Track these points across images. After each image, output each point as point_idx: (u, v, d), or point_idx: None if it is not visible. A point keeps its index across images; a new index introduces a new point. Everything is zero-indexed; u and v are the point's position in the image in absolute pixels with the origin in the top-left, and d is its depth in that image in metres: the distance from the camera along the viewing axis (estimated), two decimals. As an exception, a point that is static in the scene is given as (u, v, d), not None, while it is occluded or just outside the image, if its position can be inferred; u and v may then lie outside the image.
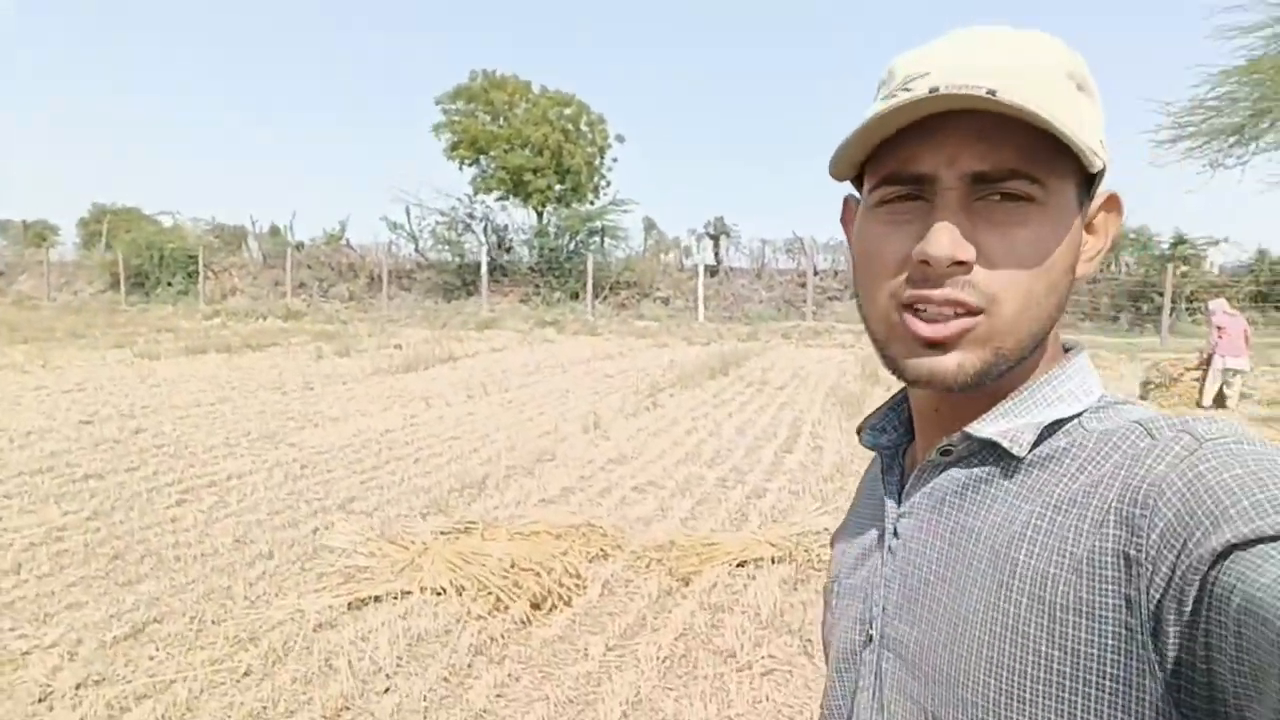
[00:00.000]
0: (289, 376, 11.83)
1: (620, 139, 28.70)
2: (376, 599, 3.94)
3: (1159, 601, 0.50)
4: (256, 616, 3.78)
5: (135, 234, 29.01)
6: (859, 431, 0.77)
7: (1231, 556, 0.46)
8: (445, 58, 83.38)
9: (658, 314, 22.75)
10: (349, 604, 3.88)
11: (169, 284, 26.85)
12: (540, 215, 27.44)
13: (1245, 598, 0.45)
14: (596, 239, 25.93)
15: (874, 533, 0.72)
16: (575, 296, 23.96)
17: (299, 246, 28.42)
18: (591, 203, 27.79)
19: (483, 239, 26.72)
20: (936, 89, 0.57)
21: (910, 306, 0.61)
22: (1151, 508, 0.51)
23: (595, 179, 28.18)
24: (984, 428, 0.63)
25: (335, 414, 8.98)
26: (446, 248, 26.91)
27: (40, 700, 3.07)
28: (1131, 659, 0.51)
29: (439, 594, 3.98)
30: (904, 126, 0.60)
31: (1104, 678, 0.52)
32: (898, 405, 0.76)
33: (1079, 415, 0.62)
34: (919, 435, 0.72)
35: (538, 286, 24.61)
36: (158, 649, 3.48)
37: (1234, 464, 0.51)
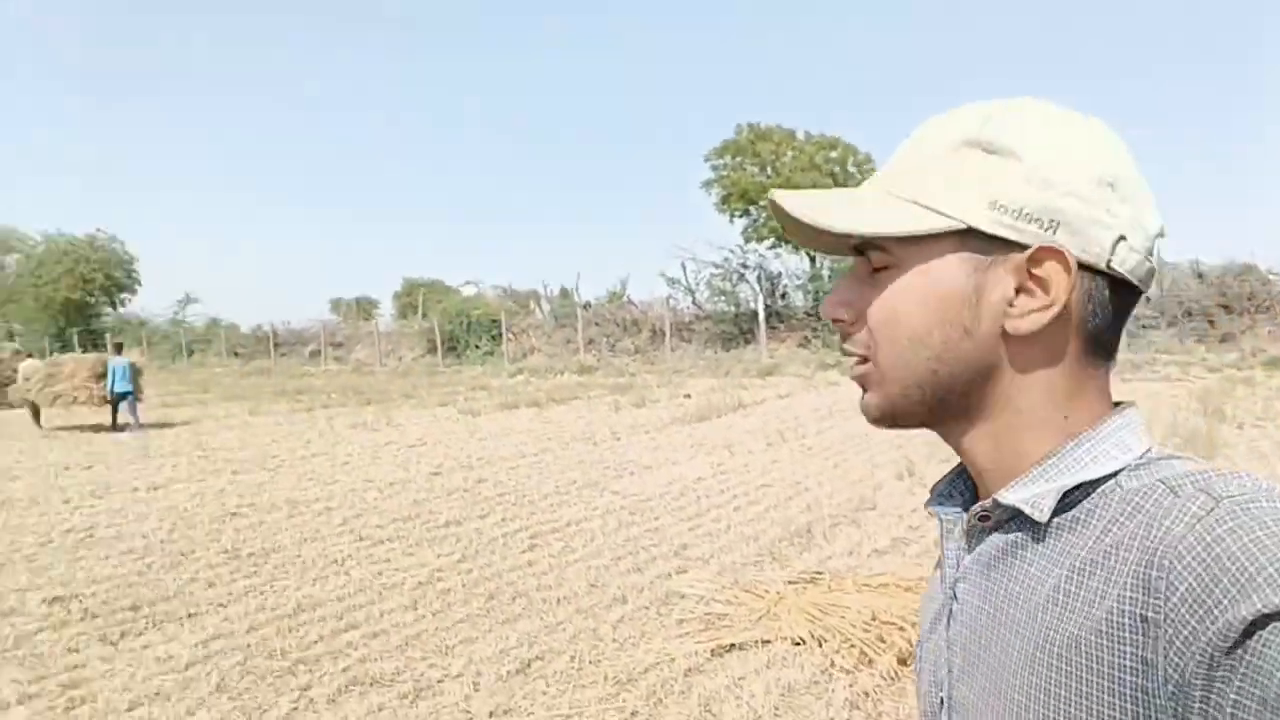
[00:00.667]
0: (595, 428, 12.54)
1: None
2: (736, 646, 4.02)
3: (1181, 667, 0.49)
4: (628, 659, 3.98)
5: (446, 304, 32.34)
6: (927, 502, 0.77)
7: (1269, 627, 0.46)
8: (708, 117, 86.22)
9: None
10: (711, 650, 3.98)
11: (476, 346, 29.59)
12: (813, 260, 27.34)
13: None
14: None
15: (942, 597, 0.73)
16: (855, 339, 23.54)
17: (586, 306, 30.31)
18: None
19: (757, 288, 27.06)
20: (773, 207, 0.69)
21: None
22: (1169, 569, 0.51)
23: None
24: (1010, 494, 0.63)
25: (647, 462, 9.37)
26: (722, 298, 27.53)
27: (463, 726, 3.41)
28: None
29: (798, 644, 3.98)
30: None
31: None
32: (962, 473, 0.76)
33: (1116, 475, 0.62)
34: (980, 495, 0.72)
35: (815, 330, 24.45)
36: (548, 685, 3.76)
37: (1254, 526, 0.50)
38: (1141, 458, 0.63)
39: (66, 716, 3.59)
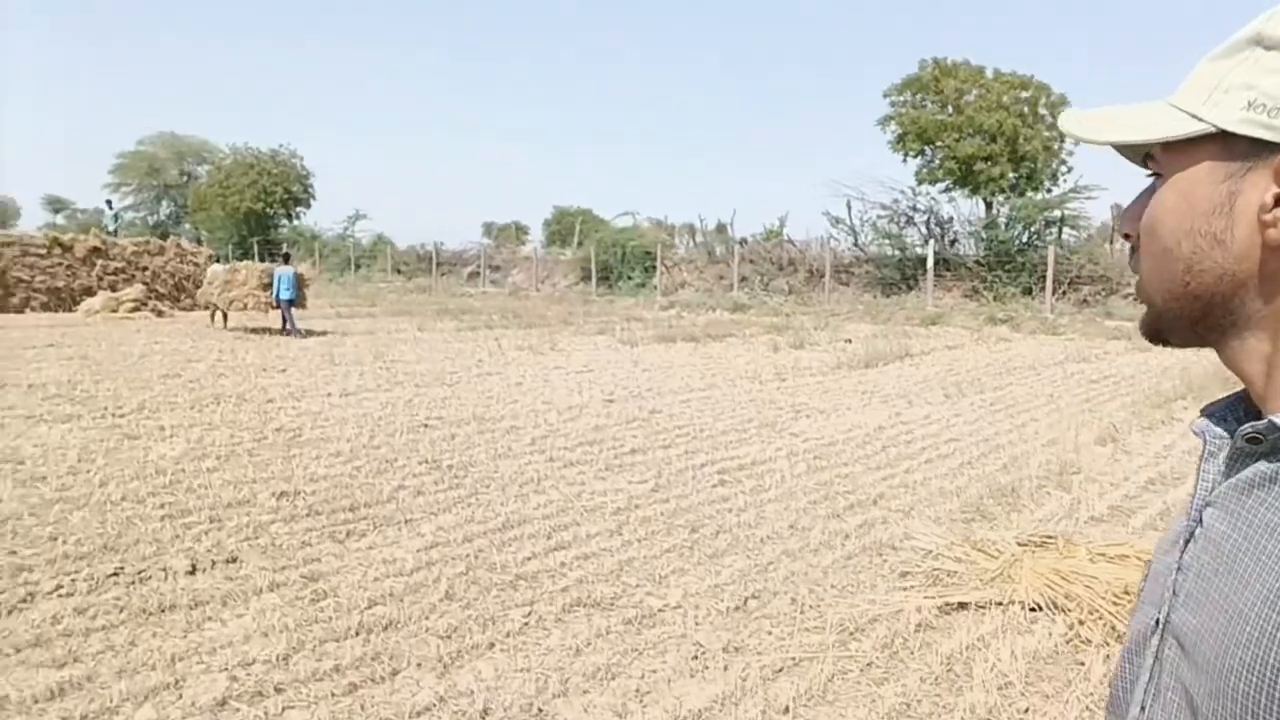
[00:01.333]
0: (757, 367, 12.34)
1: (1084, 120, 25.90)
2: (967, 605, 3.83)
3: None
4: (849, 606, 3.86)
5: (602, 234, 32.54)
6: (1201, 411, 0.73)
7: None
8: (889, 53, 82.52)
9: (1130, 313, 20.29)
10: (939, 607, 3.81)
11: (629, 277, 29.75)
12: (989, 206, 25.88)
13: None
14: (1054, 230, 23.83)
15: (1186, 521, 0.69)
16: (1028, 292, 22.24)
17: (742, 242, 29.85)
18: (1049, 191, 25.59)
19: (925, 232, 25.90)
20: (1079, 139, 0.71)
21: None
22: None
23: (1054, 165, 25.88)
24: None
25: (821, 406, 9.15)
26: (887, 241, 26.51)
27: (695, 658, 3.38)
28: None
29: (1033, 609, 3.76)
30: None
31: None
32: (1243, 395, 0.70)
33: None
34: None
35: (985, 280, 23.24)
36: (771, 625, 3.69)
37: None
38: None
39: (313, 608, 3.78)
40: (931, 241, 24.27)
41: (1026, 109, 25.30)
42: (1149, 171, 0.68)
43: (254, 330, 16.32)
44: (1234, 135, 0.60)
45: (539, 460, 6.47)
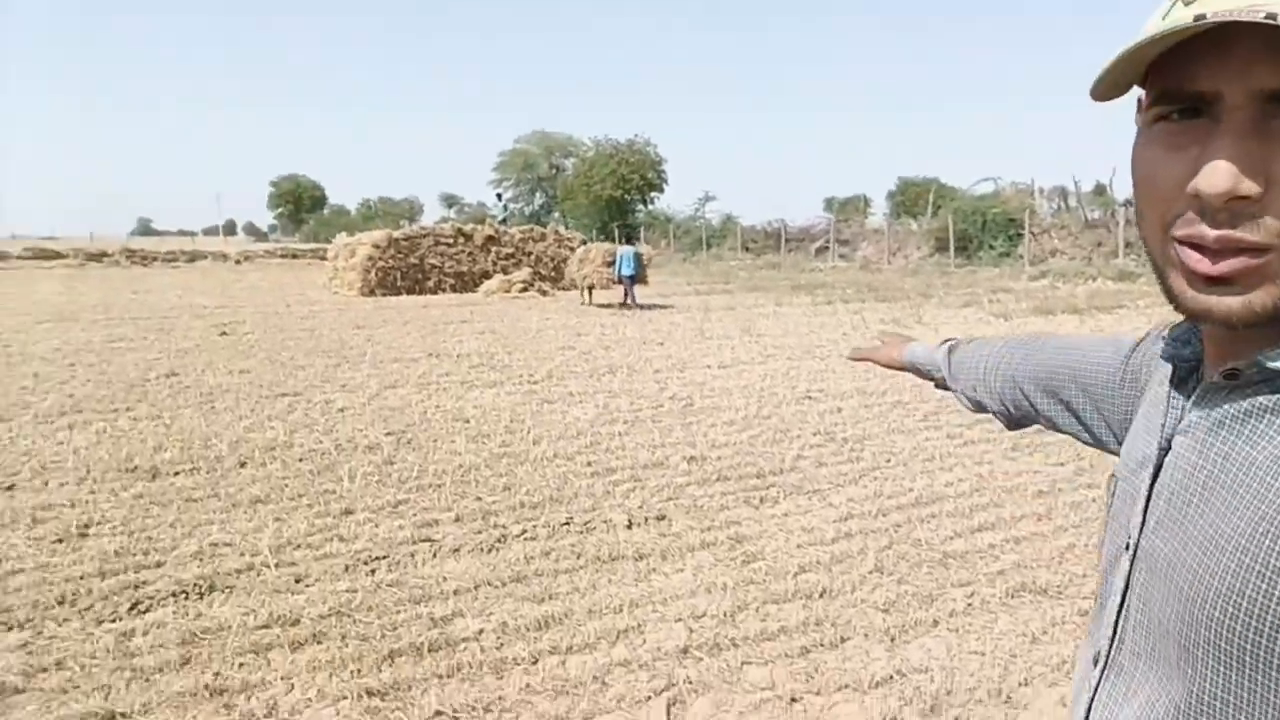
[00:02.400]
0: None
1: None
2: None
3: None
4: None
5: (959, 202, 30.72)
6: (1160, 342, 0.75)
7: None
8: None
9: None
10: None
11: (990, 247, 27.79)
12: None
13: None
14: None
15: (1154, 442, 0.68)
16: None
17: (1126, 204, 26.61)
18: None
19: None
20: (1203, 16, 0.52)
21: (1185, 241, 0.57)
22: None
23: None
24: (1278, 359, 0.57)
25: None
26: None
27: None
28: None
29: None
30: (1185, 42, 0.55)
31: None
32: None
33: None
34: (1208, 352, 0.67)
35: None
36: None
37: None
38: None
39: (746, 569, 3.90)
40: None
41: None
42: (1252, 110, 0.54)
43: (603, 305, 17.76)
44: None
45: (936, 436, 6.19)
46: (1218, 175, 0.53)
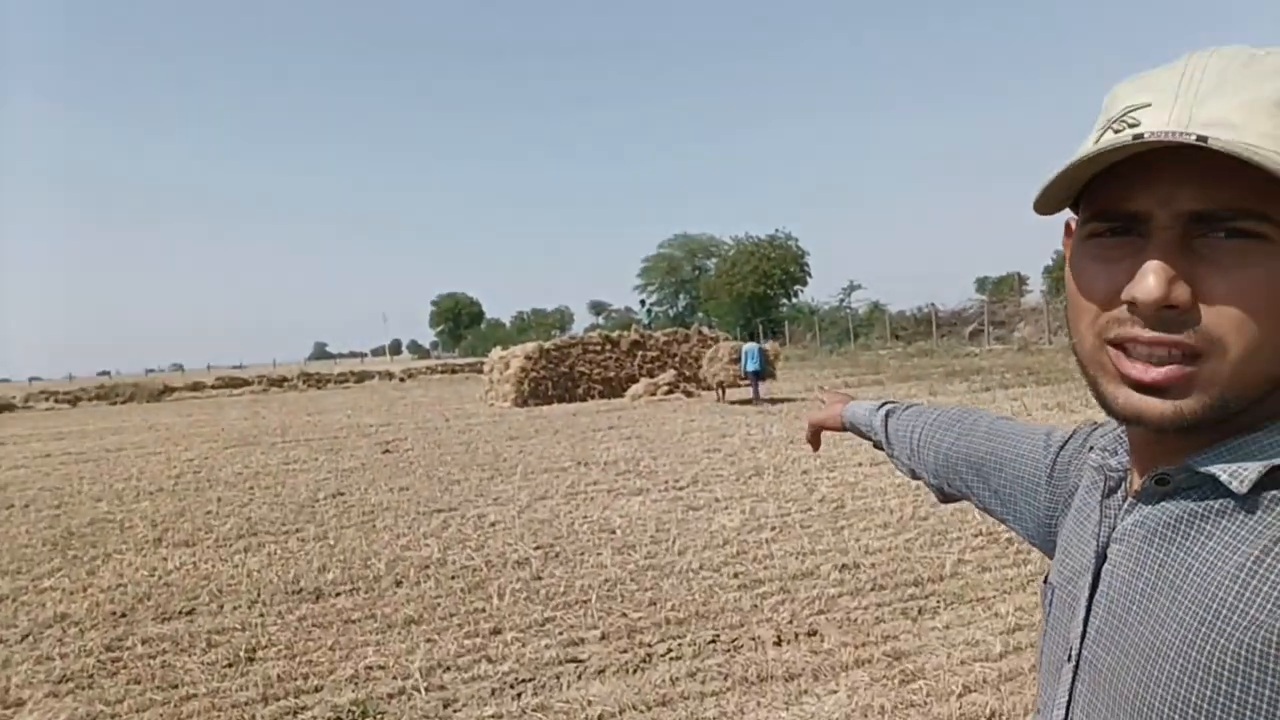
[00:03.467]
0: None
1: None
2: None
3: None
4: None
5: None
6: (1090, 450, 0.76)
7: None
8: None
9: None
10: None
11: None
12: None
13: None
14: None
15: (1089, 551, 0.69)
16: None
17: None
18: None
19: None
20: (1141, 135, 0.56)
21: (1119, 344, 0.60)
22: None
23: None
24: (1207, 463, 0.60)
25: None
26: None
27: None
28: None
29: None
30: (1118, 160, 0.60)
31: None
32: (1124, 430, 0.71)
33: None
34: (1135, 459, 0.69)
35: None
36: None
37: None
38: None
39: (904, 689, 3.64)
40: None
41: None
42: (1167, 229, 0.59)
43: (735, 401, 18.05)
44: None
45: (1114, 533, 5.69)
46: (1151, 283, 0.57)
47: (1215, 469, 0.59)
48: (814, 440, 1.46)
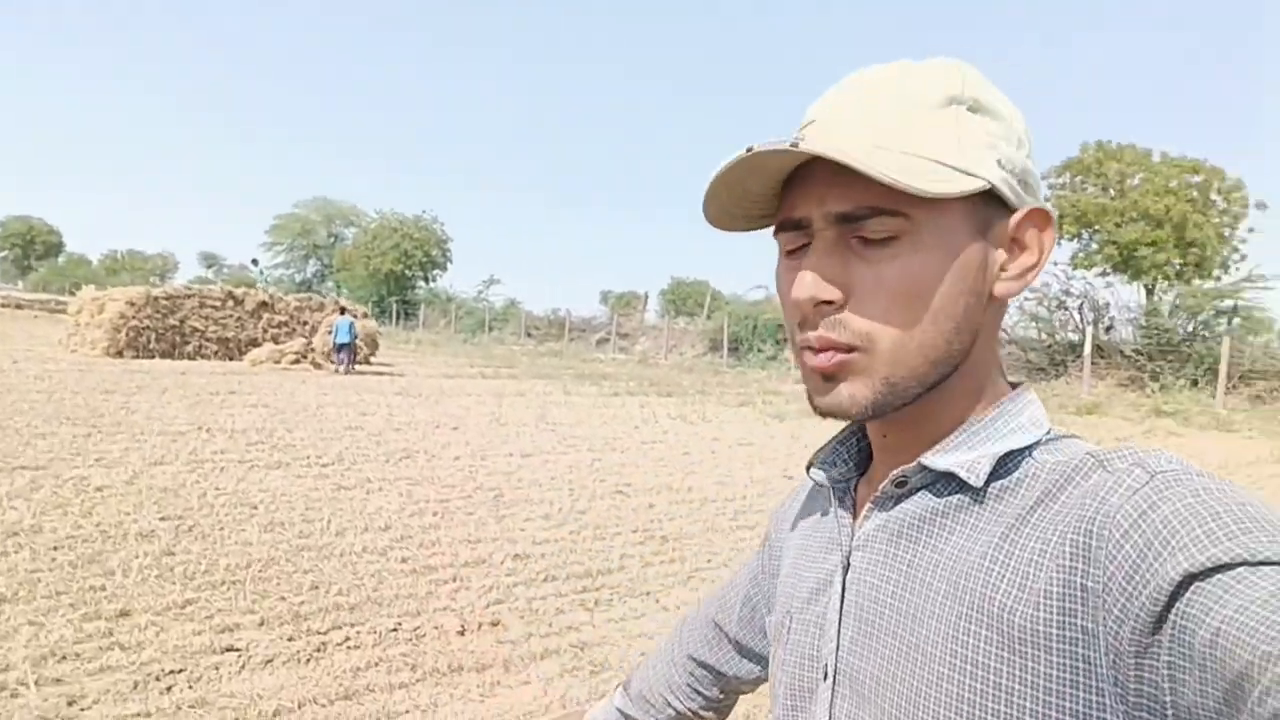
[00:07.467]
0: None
1: (1261, 206, 24.59)
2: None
3: (1117, 633, 0.48)
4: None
5: (734, 306, 32.60)
6: (808, 467, 0.75)
7: (1192, 587, 0.45)
8: (1042, 135, 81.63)
9: (1315, 411, 18.85)
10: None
11: (759, 350, 29.55)
12: (1150, 292, 24.70)
13: (1211, 630, 0.43)
14: (1224, 320, 22.52)
15: (828, 566, 0.70)
16: (1194, 384, 20.97)
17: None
18: (1218, 279, 24.27)
19: (1078, 318, 24.88)
20: (752, 148, 0.59)
21: (807, 345, 0.63)
22: (1107, 539, 0.50)
23: (1226, 252, 24.59)
24: (940, 459, 0.62)
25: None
26: (1035, 325, 25.57)
27: None
28: (1091, 692, 0.50)
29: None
30: (790, 174, 0.64)
31: (1064, 712, 0.51)
32: (846, 440, 0.74)
33: (1030, 448, 0.62)
34: (877, 466, 0.70)
35: (1144, 369, 22.05)
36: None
37: (1186, 494, 0.49)
38: (1048, 434, 0.63)
39: (595, 679, 3.70)
40: (1088, 328, 23.26)
41: (1196, 194, 24.21)
42: (796, 240, 0.64)
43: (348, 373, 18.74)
44: (985, 194, 0.61)
45: (749, 536, 6.31)
46: (802, 285, 0.61)
47: (949, 465, 0.61)
48: None
